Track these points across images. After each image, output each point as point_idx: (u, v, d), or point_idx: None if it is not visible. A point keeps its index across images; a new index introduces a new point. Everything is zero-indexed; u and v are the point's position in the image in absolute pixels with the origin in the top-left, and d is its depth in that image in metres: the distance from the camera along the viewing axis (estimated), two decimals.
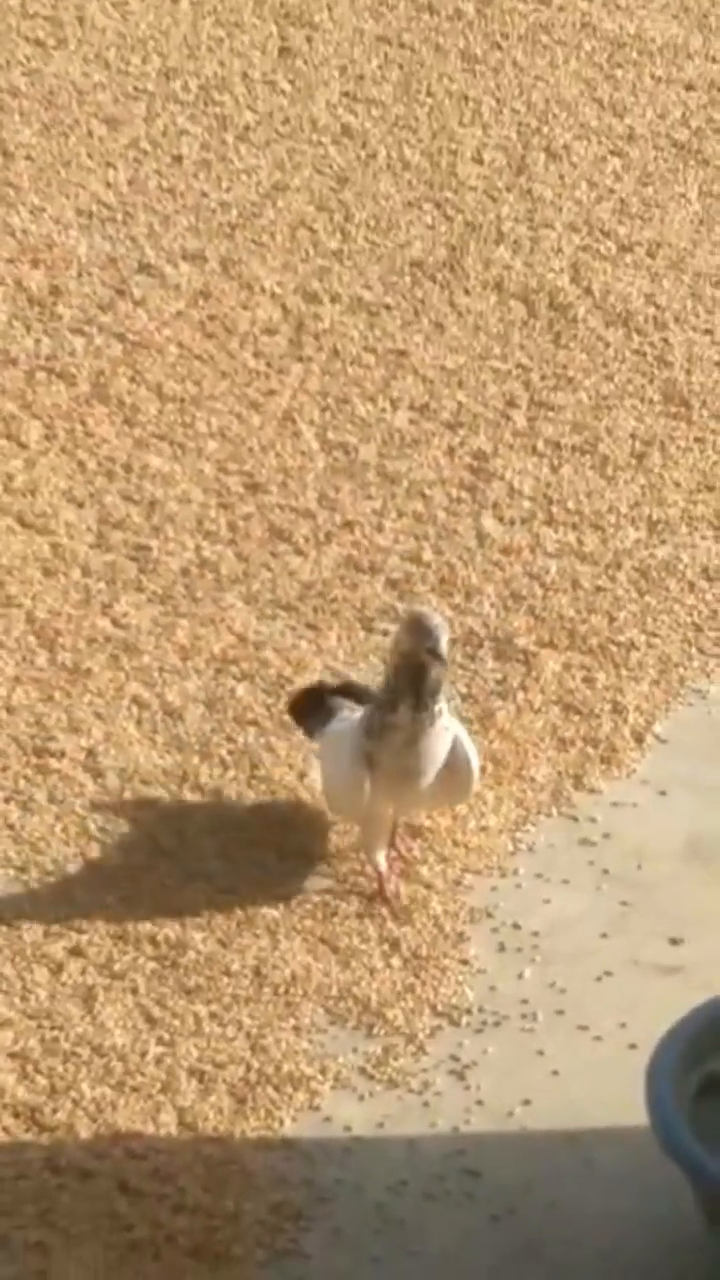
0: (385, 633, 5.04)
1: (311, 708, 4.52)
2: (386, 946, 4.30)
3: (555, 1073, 3.97)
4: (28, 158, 6.40)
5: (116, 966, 4.21)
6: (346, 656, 4.94)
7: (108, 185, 6.36)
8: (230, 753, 4.67)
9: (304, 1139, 3.90)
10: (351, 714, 4.42)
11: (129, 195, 6.33)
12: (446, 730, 4.29)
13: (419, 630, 4.23)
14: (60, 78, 6.72)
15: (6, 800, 4.50)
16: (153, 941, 4.26)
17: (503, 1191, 3.85)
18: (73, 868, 4.38)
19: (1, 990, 4.19)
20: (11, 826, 4.45)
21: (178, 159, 6.45)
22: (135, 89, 6.74)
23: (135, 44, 6.95)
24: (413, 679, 4.20)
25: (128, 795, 4.60)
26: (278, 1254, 3.70)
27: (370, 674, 4.96)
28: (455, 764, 4.33)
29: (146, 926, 4.30)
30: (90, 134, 6.52)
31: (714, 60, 7.13)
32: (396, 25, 6.98)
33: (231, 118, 6.62)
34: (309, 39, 6.88)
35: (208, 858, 4.46)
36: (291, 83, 6.80)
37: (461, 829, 4.55)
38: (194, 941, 4.27)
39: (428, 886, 4.40)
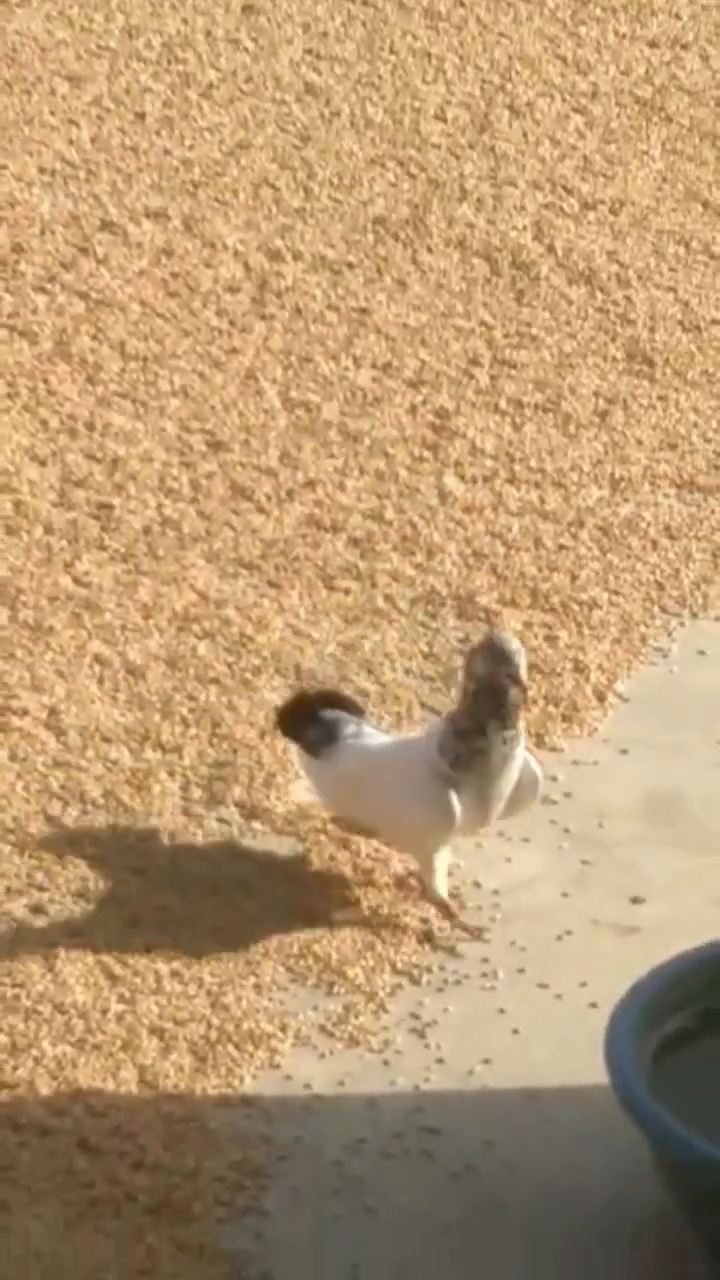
0: (347, 591, 5.05)
1: (306, 720, 4.48)
2: (347, 905, 4.33)
3: (515, 1031, 4.02)
4: None
5: (78, 924, 4.24)
6: (308, 614, 4.96)
7: (70, 143, 6.37)
8: (192, 711, 4.69)
9: (264, 1097, 3.92)
10: (357, 728, 4.41)
11: (92, 153, 6.34)
12: (521, 748, 4.36)
13: (498, 656, 4.24)
14: (23, 35, 6.70)
15: None
16: (114, 899, 4.29)
17: (462, 1150, 3.88)
18: (34, 826, 4.41)
19: None
20: None
21: (140, 117, 6.48)
22: (98, 46, 6.75)
23: (98, 1, 6.95)
24: (495, 702, 4.22)
25: (89, 753, 4.61)
26: (237, 1211, 3.74)
27: (331, 631, 4.97)
28: (522, 779, 4.34)
29: (108, 884, 4.33)
30: (53, 91, 6.53)
31: (677, 17, 7.14)
32: None
33: (194, 75, 6.66)
34: None
35: (169, 815, 4.48)
36: (254, 40, 6.82)
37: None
38: (155, 900, 4.30)
39: (387, 844, 4.44)
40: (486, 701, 4.23)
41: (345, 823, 4.45)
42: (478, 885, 4.36)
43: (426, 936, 4.36)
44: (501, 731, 4.24)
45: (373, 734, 4.43)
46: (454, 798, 4.25)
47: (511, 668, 4.21)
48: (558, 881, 4.31)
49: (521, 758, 4.33)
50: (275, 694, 4.79)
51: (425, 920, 4.34)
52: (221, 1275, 3.67)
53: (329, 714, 4.43)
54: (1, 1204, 3.73)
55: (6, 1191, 3.75)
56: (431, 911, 4.37)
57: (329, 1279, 3.73)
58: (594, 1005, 3.92)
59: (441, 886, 4.33)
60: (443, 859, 4.38)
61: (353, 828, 4.45)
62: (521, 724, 4.37)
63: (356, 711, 4.43)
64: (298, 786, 4.50)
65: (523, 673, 4.23)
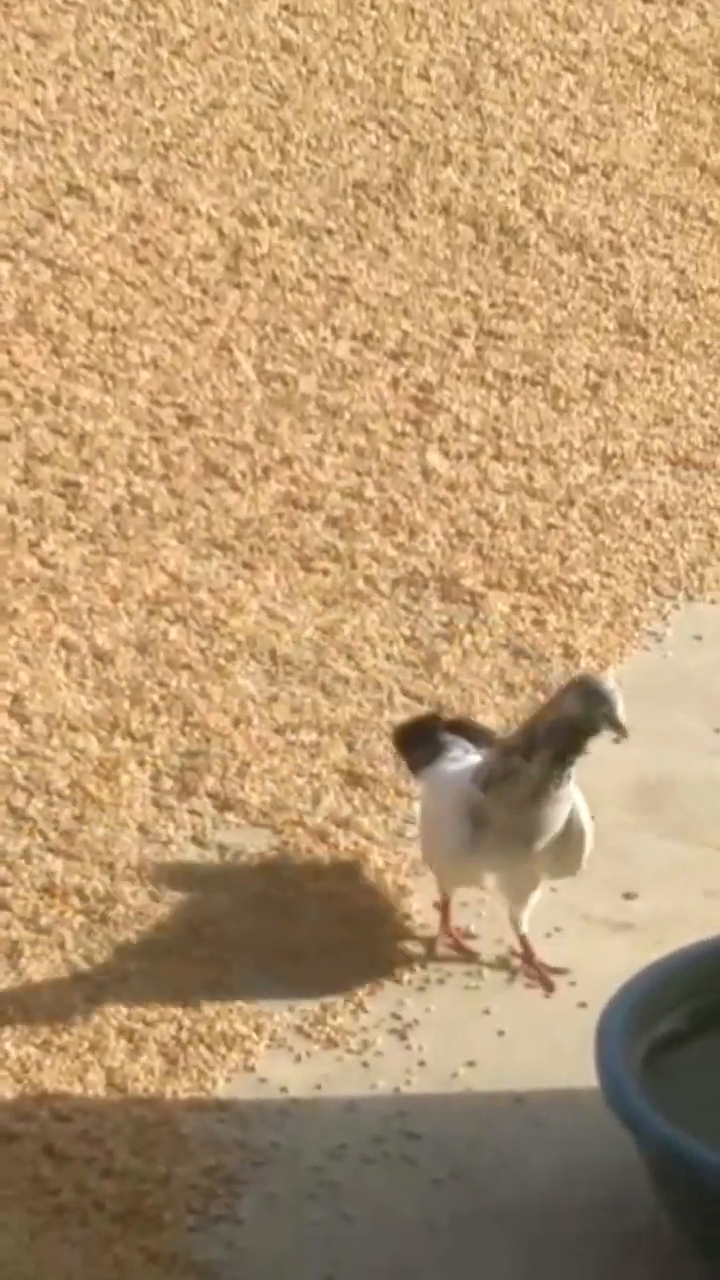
0: (325, 572, 5.03)
1: (420, 739, 4.45)
2: (325, 900, 4.32)
3: (501, 1033, 4.00)
4: None
5: (43, 921, 4.23)
6: (284, 597, 4.97)
7: (36, 103, 6.34)
8: (162, 698, 4.69)
9: (238, 1100, 3.92)
10: (465, 755, 4.38)
11: (58, 113, 6.32)
12: (569, 796, 4.27)
13: (595, 696, 4.14)
14: None
15: None
16: (80, 894, 4.28)
17: (445, 1154, 3.90)
18: None
19: None
20: None
21: (109, 75, 6.47)
22: (65, 1, 6.70)
23: None
24: (565, 741, 4.13)
25: (55, 742, 4.61)
26: (210, 1220, 3.73)
27: (309, 614, 4.95)
28: (570, 833, 4.26)
29: (74, 879, 4.33)
30: (17, 49, 6.52)
31: None
32: None
33: (166, 31, 6.65)
34: None
35: (139, 807, 4.48)
36: None
37: (405, 778, 4.56)
38: (124, 895, 4.29)
39: (368, 838, 4.41)
40: (556, 735, 4.12)
41: None
42: None
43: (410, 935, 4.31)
44: (551, 765, 4.14)
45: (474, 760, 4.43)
46: (469, 822, 4.17)
47: (609, 709, 4.12)
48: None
49: (569, 803, 4.24)
50: (250, 680, 4.77)
51: (408, 916, 4.31)
52: None
53: (446, 737, 4.40)
54: None
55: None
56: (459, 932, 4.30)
57: None
58: (583, 1005, 3.92)
59: (450, 921, 4.25)
60: (463, 889, 4.28)
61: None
62: (574, 771, 4.31)
63: (483, 742, 4.38)
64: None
65: (621, 715, 4.14)
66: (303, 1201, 3.85)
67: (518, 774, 4.18)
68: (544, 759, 4.15)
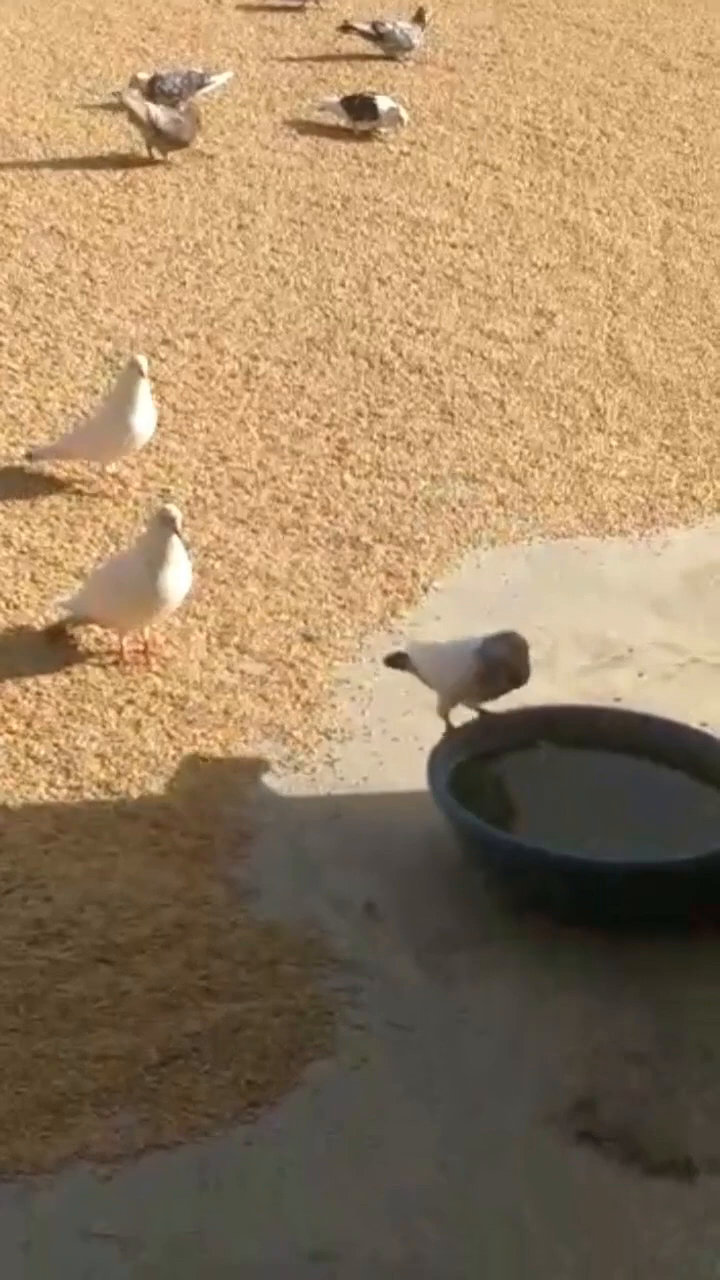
0: (292, 534, 5.32)
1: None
2: (296, 699, 4.76)
3: (381, 763, 4.53)
4: None
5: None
6: (271, 548, 5.24)
7: (148, 287, 6.61)
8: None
9: (248, 798, 4.34)
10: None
11: (157, 301, 6.57)
12: None
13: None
14: None
15: None
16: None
17: (356, 821, 4.29)
18: None
19: None
20: None
21: (183, 284, 6.69)
22: (159, 233, 7.01)
23: None
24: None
25: None
26: (239, 857, 4.21)
27: (285, 554, 5.22)
28: None
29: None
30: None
31: None
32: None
33: (214, 261, 6.83)
34: None
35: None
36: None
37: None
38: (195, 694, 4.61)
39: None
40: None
41: None
42: (361, 688, 4.69)
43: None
44: None
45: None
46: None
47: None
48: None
49: None
50: (257, 586, 5.05)
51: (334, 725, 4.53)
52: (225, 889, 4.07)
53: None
54: (112, 854, 4.21)
55: (117, 849, 4.21)
56: None
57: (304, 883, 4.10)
58: (421, 749, 4.35)
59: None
60: None
61: None
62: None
63: None
64: None
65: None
66: (288, 843, 4.24)
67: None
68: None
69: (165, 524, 4.61)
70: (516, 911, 4.03)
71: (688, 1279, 3.25)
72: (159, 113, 7.38)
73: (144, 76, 7.86)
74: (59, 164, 7.41)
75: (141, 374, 5.21)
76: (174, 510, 4.63)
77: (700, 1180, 3.42)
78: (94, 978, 3.84)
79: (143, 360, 5.27)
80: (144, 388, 5.23)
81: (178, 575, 4.64)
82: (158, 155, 7.49)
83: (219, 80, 7.69)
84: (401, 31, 8.38)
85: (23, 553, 5.22)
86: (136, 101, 7.41)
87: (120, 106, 7.58)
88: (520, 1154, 3.49)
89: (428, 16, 8.59)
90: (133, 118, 7.49)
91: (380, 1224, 3.33)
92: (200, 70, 7.79)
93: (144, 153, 7.48)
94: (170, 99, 7.64)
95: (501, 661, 4.15)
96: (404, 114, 7.52)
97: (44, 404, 5.91)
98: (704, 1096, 3.61)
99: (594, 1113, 3.59)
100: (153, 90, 7.68)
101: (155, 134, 7.42)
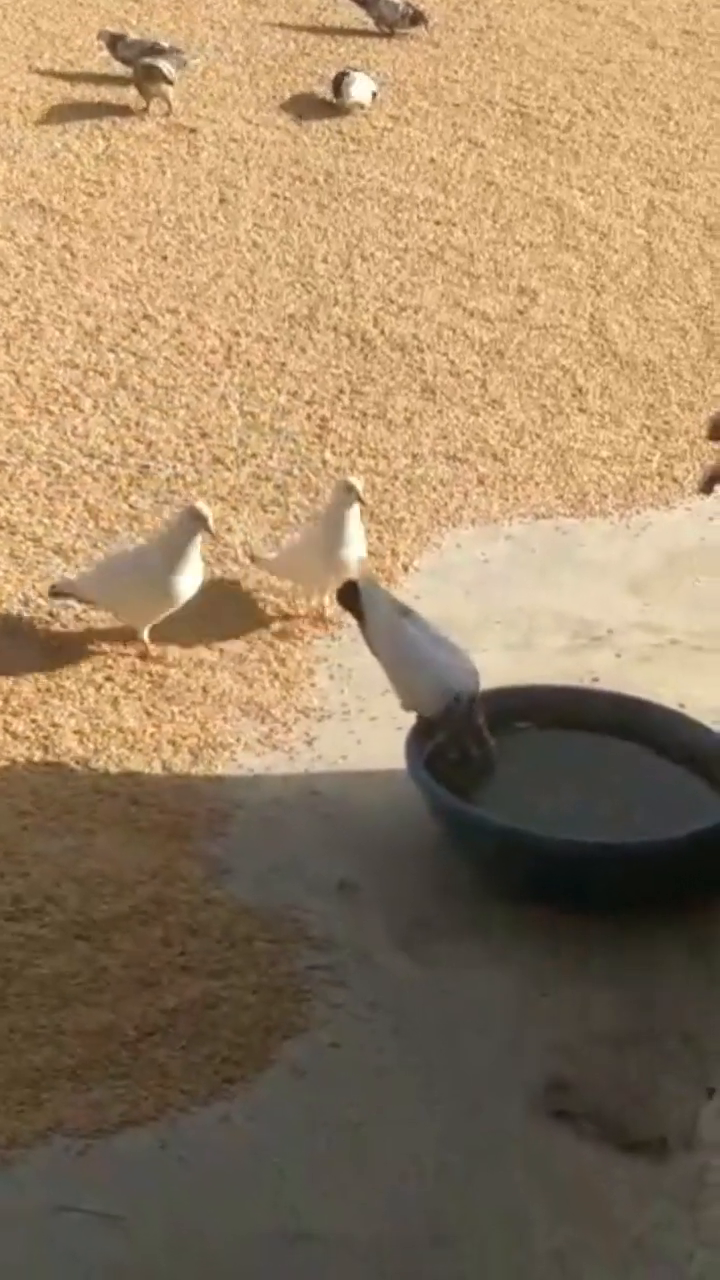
0: (271, 511, 5.39)
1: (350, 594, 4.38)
2: (275, 676, 4.79)
3: (359, 741, 4.58)
4: None
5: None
6: (252, 520, 5.28)
7: (129, 264, 6.52)
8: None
9: (226, 776, 4.40)
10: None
11: (139, 277, 6.48)
12: None
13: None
14: None
15: None
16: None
17: (334, 799, 4.37)
18: None
19: None
20: None
21: (165, 258, 6.65)
22: (139, 218, 6.87)
23: None
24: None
25: None
26: (217, 835, 4.27)
27: (265, 526, 5.25)
28: None
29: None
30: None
31: None
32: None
33: (196, 236, 6.80)
34: None
35: None
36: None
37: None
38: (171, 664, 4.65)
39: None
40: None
41: None
42: (341, 664, 4.74)
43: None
44: None
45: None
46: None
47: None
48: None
49: None
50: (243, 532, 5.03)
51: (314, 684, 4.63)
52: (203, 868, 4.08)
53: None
54: (90, 830, 4.27)
55: (94, 825, 4.27)
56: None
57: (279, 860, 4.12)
58: (400, 728, 4.37)
59: None
60: None
61: None
62: None
63: None
64: None
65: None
66: (265, 821, 4.26)
67: None
68: None
69: (194, 521, 4.60)
70: (494, 891, 4.09)
71: (667, 1260, 3.28)
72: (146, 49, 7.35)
73: (111, 29, 7.91)
74: (40, 136, 7.44)
75: (358, 499, 4.88)
76: (204, 508, 4.63)
77: (678, 1159, 3.47)
78: (71, 954, 3.88)
79: (358, 482, 4.95)
80: (355, 514, 4.90)
81: (194, 575, 4.65)
82: (149, 98, 7.48)
83: (176, 61, 7.56)
84: (387, 3, 8.31)
85: (0, 528, 5.25)
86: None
87: (104, 75, 7.65)
88: (498, 1133, 3.53)
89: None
90: (124, 61, 7.50)
91: (355, 1202, 3.37)
92: (166, 45, 7.64)
93: (126, 124, 7.48)
94: (126, 63, 7.65)
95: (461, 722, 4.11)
96: (367, 95, 7.44)
97: (24, 378, 5.94)
98: (683, 1079, 3.67)
99: (570, 1093, 3.63)
100: (114, 45, 7.64)
101: (145, 71, 7.37)
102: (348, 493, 4.72)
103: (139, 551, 4.78)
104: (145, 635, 4.68)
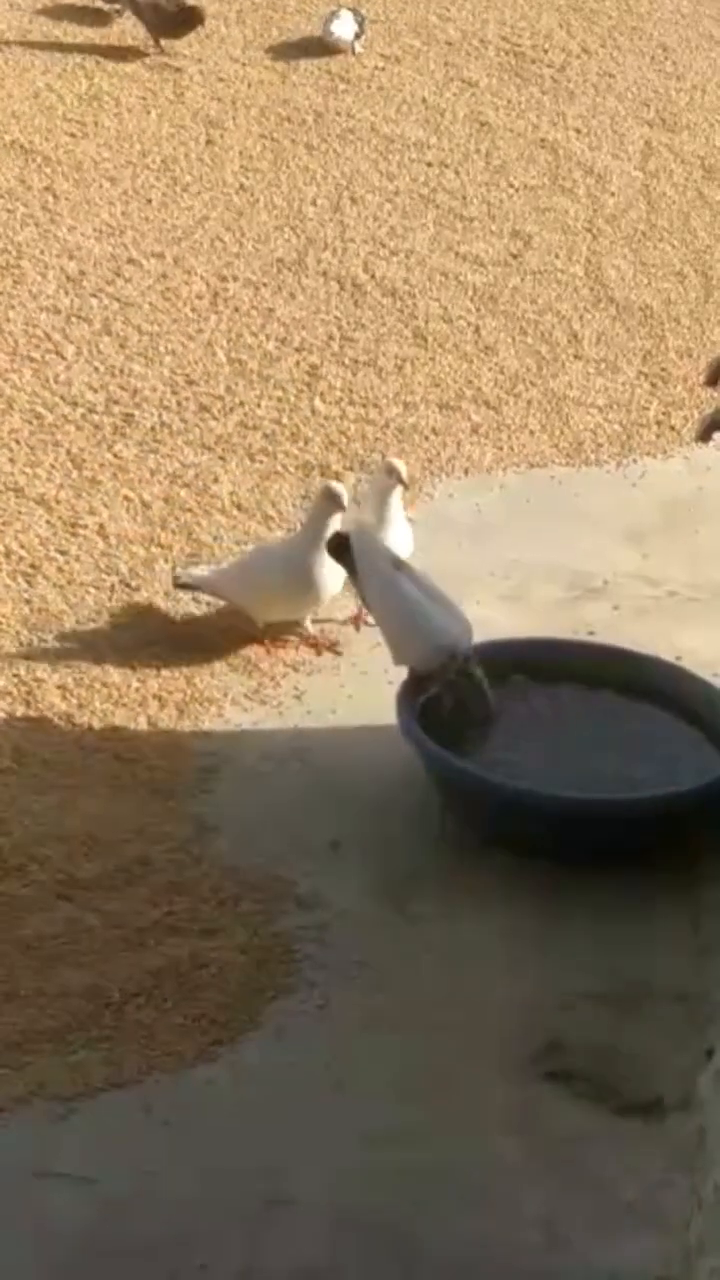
0: (261, 461, 5.36)
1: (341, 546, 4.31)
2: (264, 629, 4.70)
3: (350, 696, 4.58)
4: None
5: None
6: (241, 472, 5.28)
7: (113, 205, 6.52)
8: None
9: (213, 731, 4.38)
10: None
11: (123, 220, 6.44)
12: None
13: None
14: None
15: None
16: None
17: (322, 755, 4.34)
18: None
19: None
20: None
21: (149, 201, 6.59)
22: (122, 161, 6.82)
23: None
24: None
25: None
26: (202, 790, 4.24)
27: (254, 479, 5.22)
28: None
29: None
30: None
31: None
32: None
33: (181, 178, 6.78)
34: None
35: None
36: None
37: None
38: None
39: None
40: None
41: None
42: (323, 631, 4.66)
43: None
44: None
45: None
46: None
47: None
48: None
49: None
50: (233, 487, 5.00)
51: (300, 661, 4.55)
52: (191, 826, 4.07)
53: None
54: (74, 787, 4.25)
55: (78, 782, 4.25)
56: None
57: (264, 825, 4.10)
58: (390, 682, 4.38)
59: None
60: None
61: None
62: None
63: None
64: None
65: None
66: (253, 777, 4.29)
67: None
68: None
69: (330, 503, 4.47)
70: (485, 848, 4.07)
71: (662, 1225, 3.23)
72: None
73: None
74: (21, 76, 7.38)
75: (400, 481, 4.75)
76: (338, 487, 4.47)
77: (675, 1121, 3.42)
78: (54, 914, 3.87)
79: (401, 465, 4.86)
80: (397, 498, 4.78)
81: (338, 569, 4.46)
82: (159, 46, 7.48)
83: None
84: None
85: None
86: None
87: (85, 8, 7.68)
88: (488, 1095, 3.50)
89: None
90: (134, 10, 7.43)
91: (340, 1166, 3.34)
92: None
93: (109, 64, 7.46)
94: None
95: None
96: (349, 33, 7.42)
97: (4, 324, 5.89)
98: (679, 1040, 3.64)
99: (563, 1054, 3.60)
100: None
101: (155, 15, 7.30)
102: (390, 475, 4.63)
103: (284, 545, 4.68)
104: (260, 627, 4.59)
